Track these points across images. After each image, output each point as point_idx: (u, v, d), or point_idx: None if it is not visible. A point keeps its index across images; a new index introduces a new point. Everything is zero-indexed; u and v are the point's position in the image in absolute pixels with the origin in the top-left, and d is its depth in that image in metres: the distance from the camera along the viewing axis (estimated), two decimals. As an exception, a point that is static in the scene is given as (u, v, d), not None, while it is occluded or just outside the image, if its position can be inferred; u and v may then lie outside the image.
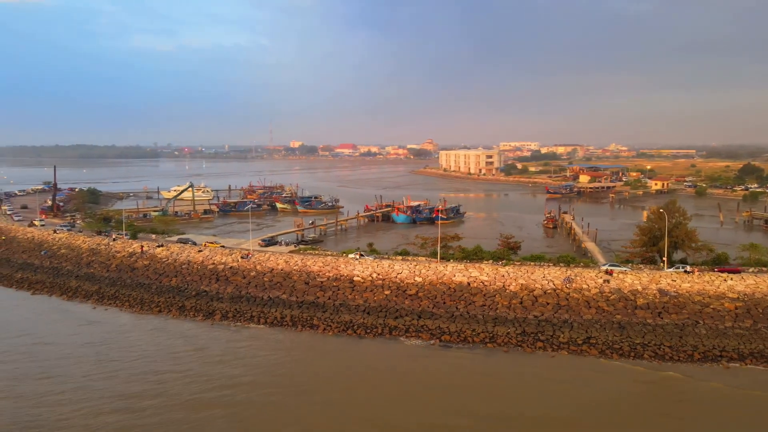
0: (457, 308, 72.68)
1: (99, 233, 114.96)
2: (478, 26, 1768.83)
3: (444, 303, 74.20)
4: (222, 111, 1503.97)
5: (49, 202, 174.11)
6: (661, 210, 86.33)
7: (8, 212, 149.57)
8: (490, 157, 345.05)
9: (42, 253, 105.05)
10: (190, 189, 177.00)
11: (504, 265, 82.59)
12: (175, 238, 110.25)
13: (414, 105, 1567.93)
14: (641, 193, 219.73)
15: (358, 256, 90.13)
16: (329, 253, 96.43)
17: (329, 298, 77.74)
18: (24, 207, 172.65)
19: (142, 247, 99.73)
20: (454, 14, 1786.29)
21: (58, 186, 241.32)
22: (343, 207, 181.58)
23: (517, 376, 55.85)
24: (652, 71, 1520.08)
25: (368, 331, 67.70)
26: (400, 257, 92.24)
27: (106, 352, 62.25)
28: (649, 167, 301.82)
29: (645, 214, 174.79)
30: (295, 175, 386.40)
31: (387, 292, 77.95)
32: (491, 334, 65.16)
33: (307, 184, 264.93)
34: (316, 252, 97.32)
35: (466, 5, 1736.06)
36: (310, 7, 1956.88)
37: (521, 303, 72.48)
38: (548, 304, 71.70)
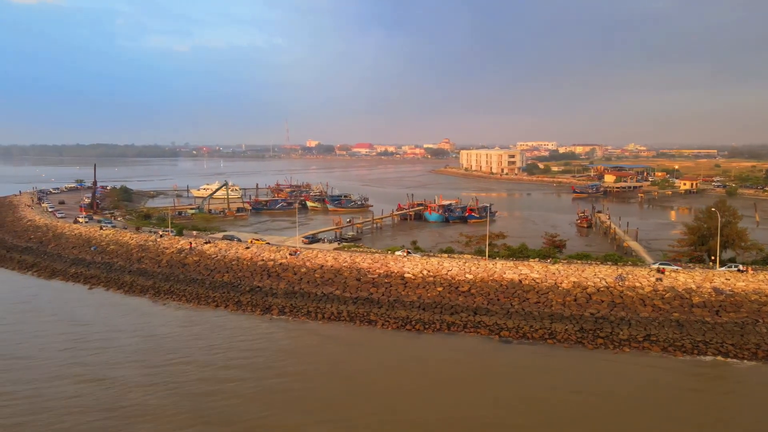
0: (511, 305, 73.59)
1: (137, 229, 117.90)
2: (491, 25, 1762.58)
3: (498, 300, 75.15)
4: (238, 111, 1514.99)
5: (86, 200, 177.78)
6: (713, 209, 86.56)
7: (50, 209, 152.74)
8: (513, 156, 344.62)
9: (91, 248, 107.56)
10: (224, 188, 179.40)
11: (553, 263, 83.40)
12: (219, 235, 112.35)
13: (428, 105, 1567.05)
14: (670, 193, 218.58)
15: (405, 254, 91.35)
16: (372, 250, 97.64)
17: (383, 295, 79.02)
18: (62, 203, 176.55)
19: (190, 243, 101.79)
20: (466, 13, 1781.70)
21: (88, 184, 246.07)
22: (372, 206, 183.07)
23: (581, 373, 56.48)
24: (669, 70, 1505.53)
25: (426, 326, 68.86)
26: (446, 255, 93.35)
27: (175, 343, 64.20)
28: (676, 167, 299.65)
29: (672, 213, 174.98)
30: (313, 174, 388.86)
31: (439, 289, 79.05)
32: (550, 331, 65.99)
33: (332, 183, 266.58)
34: (360, 249, 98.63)
35: (479, 4, 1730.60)
36: (323, 6, 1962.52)
37: (575, 300, 73.23)
38: (603, 301, 72.38)
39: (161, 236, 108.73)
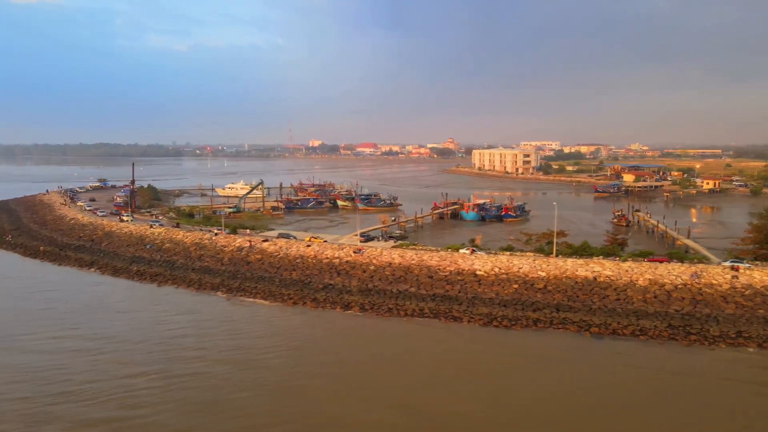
0: (592, 302, 74.37)
1: (176, 226, 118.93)
2: (491, 25, 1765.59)
3: (577, 297, 75.93)
4: (239, 111, 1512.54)
5: (118, 199, 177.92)
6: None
7: (87, 208, 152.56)
8: (528, 156, 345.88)
9: (147, 247, 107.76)
10: (260, 187, 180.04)
11: (623, 261, 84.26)
12: (274, 233, 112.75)
13: (430, 105, 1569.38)
14: (695, 192, 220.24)
15: (470, 252, 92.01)
16: (432, 248, 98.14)
17: (459, 292, 79.67)
18: (92, 200, 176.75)
19: (250, 242, 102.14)
20: (466, 13, 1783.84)
21: (111, 183, 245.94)
22: (401, 204, 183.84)
23: (689, 369, 57.00)
24: (668, 70, 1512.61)
25: (513, 322, 69.54)
26: (508, 252, 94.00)
27: (267, 340, 64.73)
28: (698, 166, 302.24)
29: (693, 212, 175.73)
30: (318, 172, 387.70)
31: (515, 286, 79.80)
32: (639, 327, 66.72)
33: (348, 183, 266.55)
34: (421, 247, 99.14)
35: (479, 4, 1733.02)
36: (323, 6, 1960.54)
37: (655, 297, 74.08)
38: (683, 298, 73.25)
39: (216, 234, 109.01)
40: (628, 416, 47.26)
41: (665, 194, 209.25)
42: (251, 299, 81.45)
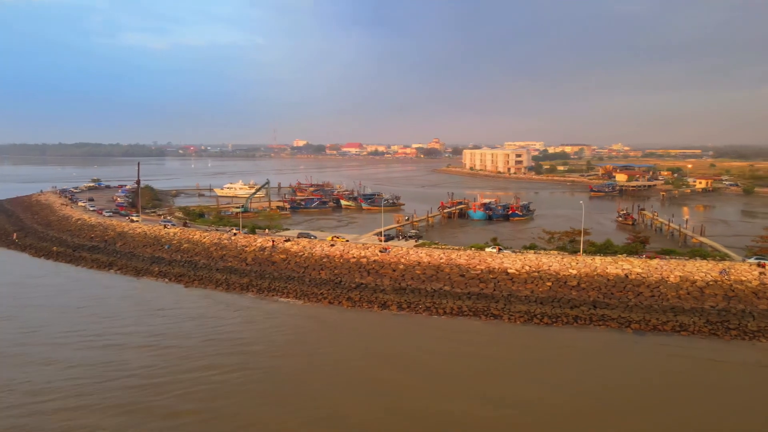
0: (627, 298, 75.51)
1: (185, 225, 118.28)
2: (473, 26, 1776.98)
3: (612, 294, 77.01)
4: (221, 110, 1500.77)
5: (118, 199, 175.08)
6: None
7: (90, 208, 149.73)
8: (520, 156, 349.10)
9: (165, 247, 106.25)
10: (265, 187, 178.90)
11: (651, 258, 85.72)
12: (293, 232, 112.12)
13: (414, 105, 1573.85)
14: (689, 191, 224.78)
15: (497, 250, 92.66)
16: (454, 247, 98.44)
17: (494, 290, 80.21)
18: (91, 200, 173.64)
19: (273, 241, 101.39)
20: (449, 15, 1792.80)
21: (107, 183, 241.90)
22: (404, 204, 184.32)
23: (739, 363, 58.15)
24: (646, 72, 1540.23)
25: (554, 320, 70.28)
26: (532, 251, 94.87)
27: (317, 341, 64.48)
28: (689, 166, 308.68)
29: (685, 210, 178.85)
30: (305, 173, 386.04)
31: (549, 284, 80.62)
32: (678, 323, 67.97)
33: (343, 182, 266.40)
34: (441, 246, 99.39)
35: (462, 5, 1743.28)
36: (304, 5, 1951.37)
37: (689, 293, 75.52)
38: (716, 294, 74.80)
39: (234, 234, 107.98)
40: (684, 407, 48.22)
41: (662, 193, 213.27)
42: (284, 299, 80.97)
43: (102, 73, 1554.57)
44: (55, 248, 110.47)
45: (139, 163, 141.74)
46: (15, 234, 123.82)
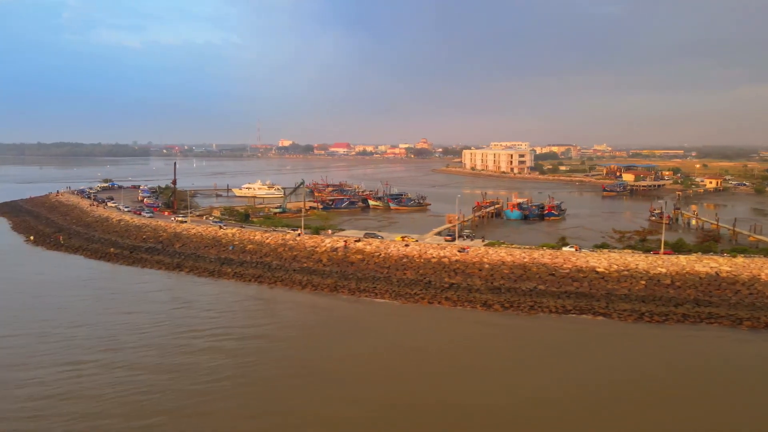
0: (728, 296, 76.64)
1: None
2: (457, 27, 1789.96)
3: (711, 292, 78.06)
4: (200, 110, 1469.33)
5: (145, 200, 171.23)
6: None
7: (124, 208, 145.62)
8: (523, 155, 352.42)
9: (229, 248, 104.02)
10: (301, 187, 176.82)
11: (734, 257, 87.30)
12: (359, 233, 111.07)
13: (400, 105, 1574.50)
14: (702, 191, 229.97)
15: (576, 249, 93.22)
16: (525, 247, 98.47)
17: (589, 288, 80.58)
18: (110, 199, 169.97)
19: (345, 242, 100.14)
20: (431, 15, 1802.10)
21: (113, 182, 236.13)
22: (430, 204, 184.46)
23: None
24: (627, 73, 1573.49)
25: (664, 318, 70.90)
26: (606, 250, 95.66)
27: (443, 343, 63.96)
28: (697, 165, 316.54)
29: (693, 207, 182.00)
30: (290, 172, 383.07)
31: (643, 283, 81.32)
32: (789, 320, 69.31)
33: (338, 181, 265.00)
34: (510, 246, 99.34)
35: (443, 5, 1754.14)
36: (282, 4, 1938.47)
37: (786, 291, 77.08)
38: (813, 291, 76.54)
39: (299, 235, 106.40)
40: None
41: (677, 192, 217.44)
42: (379, 299, 80.00)
43: (76, 72, 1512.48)
44: (111, 249, 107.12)
45: (175, 163, 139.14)
46: (60, 236, 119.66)
